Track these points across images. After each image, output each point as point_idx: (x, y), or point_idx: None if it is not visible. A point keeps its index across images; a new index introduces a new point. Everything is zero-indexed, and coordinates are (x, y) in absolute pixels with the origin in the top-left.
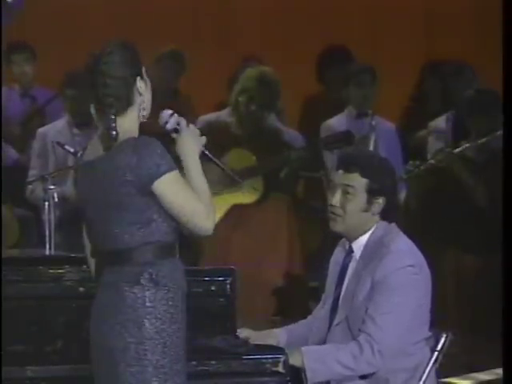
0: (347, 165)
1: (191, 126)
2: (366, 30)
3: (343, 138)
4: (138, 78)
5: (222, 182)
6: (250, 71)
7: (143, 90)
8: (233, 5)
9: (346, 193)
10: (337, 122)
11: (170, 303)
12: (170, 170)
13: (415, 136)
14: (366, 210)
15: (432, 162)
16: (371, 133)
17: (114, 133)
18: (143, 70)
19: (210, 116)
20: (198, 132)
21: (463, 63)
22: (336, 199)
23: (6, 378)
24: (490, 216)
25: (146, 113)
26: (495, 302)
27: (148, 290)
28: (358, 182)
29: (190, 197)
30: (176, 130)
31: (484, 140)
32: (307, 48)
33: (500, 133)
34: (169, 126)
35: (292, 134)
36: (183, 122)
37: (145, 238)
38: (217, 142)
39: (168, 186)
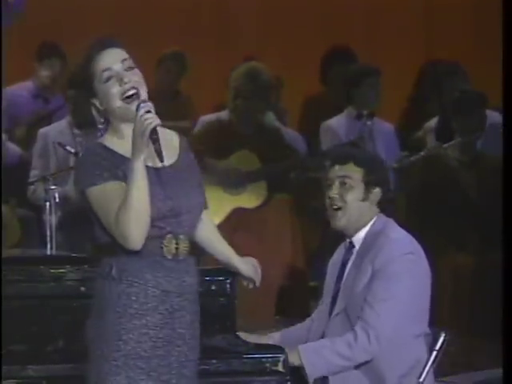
0: (342, 158)
1: (141, 109)
2: (365, 30)
3: None
4: (93, 99)
5: (225, 183)
6: (237, 69)
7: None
8: (233, 5)
9: (343, 184)
10: (336, 123)
11: (134, 298)
12: (90, 185)
13: (414, 137)
14: (364, 200)
15: (422, 153)
16: (370, 133)
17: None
18: (105, 74)
19: (210, 116)
20: (145, 118)
21: (458, 63)
22: (335, 191)
23: (6, 377)
24: (487, 215)
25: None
26: (493, 300)
27: (108, 282)
28: (354, 172)
29: (109, 218)
30: None
31: (467, 140)
32: (307, 48)
33: (482, 133)
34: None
35: (292, 135)
36: (139, 112)
37: (111, 236)
38: (218, 143)
39: (91, 201)
